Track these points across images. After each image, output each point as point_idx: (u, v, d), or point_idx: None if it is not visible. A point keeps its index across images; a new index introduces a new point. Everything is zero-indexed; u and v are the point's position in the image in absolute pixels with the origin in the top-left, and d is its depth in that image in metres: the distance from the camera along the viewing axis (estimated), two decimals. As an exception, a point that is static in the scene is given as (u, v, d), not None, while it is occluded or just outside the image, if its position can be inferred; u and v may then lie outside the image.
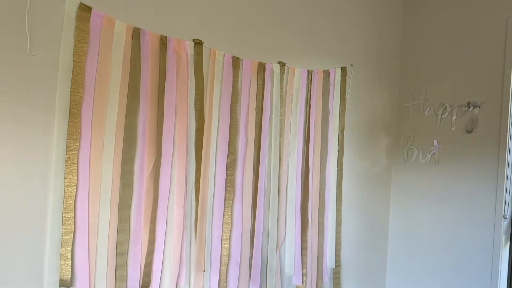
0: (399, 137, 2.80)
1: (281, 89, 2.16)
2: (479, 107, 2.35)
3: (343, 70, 2.45)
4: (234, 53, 1.96)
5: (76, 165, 1.47)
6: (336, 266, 2.46)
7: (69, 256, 1.46)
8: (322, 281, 2.39)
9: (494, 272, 2.26)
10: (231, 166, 1.95)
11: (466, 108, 2.40)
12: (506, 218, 2.26)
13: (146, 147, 1.67)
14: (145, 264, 1.68)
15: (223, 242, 1.94)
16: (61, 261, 1.45)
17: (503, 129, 2.24)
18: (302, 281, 2.27)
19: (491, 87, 2.30)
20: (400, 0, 2.83)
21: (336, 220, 2.44)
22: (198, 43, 1.83)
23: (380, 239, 2.79)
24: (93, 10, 1.51)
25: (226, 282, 1.97)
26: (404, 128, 2.77)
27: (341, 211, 2.47)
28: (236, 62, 1.97)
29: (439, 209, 2.53)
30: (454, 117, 2.47)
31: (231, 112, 1.95)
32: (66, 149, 1.45)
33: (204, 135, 1.85)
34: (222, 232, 1.94)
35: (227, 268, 1.96)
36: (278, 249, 2.18)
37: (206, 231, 1.89)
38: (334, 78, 2.40)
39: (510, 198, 2.26)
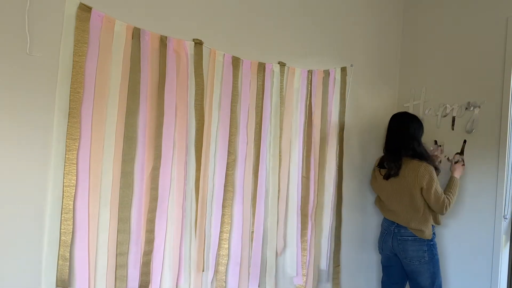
0: (399, 137, 2.80)
1: (281, 89, 2.16)
2: (479, 107, 2.34)
3: (343, 70, 2.45)
4: (234, 53, 1.96)
5: (75, 165, 1.47)
6: (336, 266, 2.46)
7: (68, 256, 1.46)
8: (322, 281, 2.39)
9: (494, 272, 2.26)
10: (231, 166, 1.95)
11: (466, 108, 2.40)
12: (506, 218, 2.26)
13: (146, 147, 1.67)
14: (144, 263, 1.68)
15: (222, 242, 1.94)
16: (59, 262, 1.45)
17: (503, 129, 2.23)
18: (302, 281, 2.27)
19: (491, 87, 2.30)
20: (400, 0, 2.83)
21: (336, 220, 2.44)
22: (198, 43, 1.83)
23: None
24: (93, 10, 1.52)
25: (225, 282, 1.97)
26: (404, 128, 2.77)
27: (341, 211, 2.47)
28: (236, 62, 1.97)
29: (439, 209, 2.53)
30: (454, 117, 2.47)
31: (231, 112, 1.95)
32: (66, 149, 1.45)
33: (204, 135, 1.85)
34: (222, 232, 1.95)
35: (226, 268, 1.96)
36: (277, 249, 2.18)
37: (206, 231, 1.89)
38: (334, 78, 2.41)
39: (510, 198, 2.26)
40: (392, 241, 2.26)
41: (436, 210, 2.16)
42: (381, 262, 2.47)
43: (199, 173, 1.83)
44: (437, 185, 2.11)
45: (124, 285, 1.63)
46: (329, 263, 2.42)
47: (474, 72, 2.39)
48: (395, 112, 2.47)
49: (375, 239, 2.71)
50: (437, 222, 2.22)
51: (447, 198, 2.13)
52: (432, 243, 2.17)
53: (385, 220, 2.37)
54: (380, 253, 2.45)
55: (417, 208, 2.14)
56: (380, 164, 2.34)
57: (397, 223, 2.24)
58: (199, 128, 1.84)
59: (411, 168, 2.14)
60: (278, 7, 2.15)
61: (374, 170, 2.47)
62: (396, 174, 2.19)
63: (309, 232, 2.29)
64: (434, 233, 2.20)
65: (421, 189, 2.11)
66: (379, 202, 2.45)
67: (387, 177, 2.25)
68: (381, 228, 2.43)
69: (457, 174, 2.28)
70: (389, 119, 2.35)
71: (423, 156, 2.16)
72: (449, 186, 2.23)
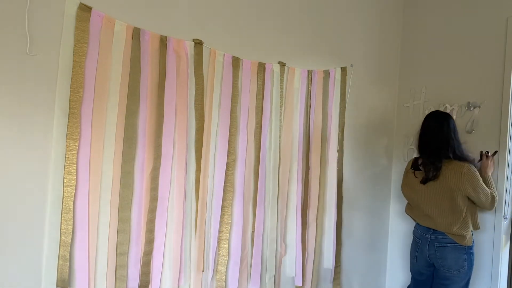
0: (399, 137, 2.80)
1: (281, 89, 2.16)
2: (479, 107, 2.34)
3: (343, 70, 2.45)
4: (234, 53, 1.96)
5: (75, 165, 1.47)
6: (336, 266, 2.46)
7: (68, 256, 1.46)
8: (322, 281, 2.39)
9: (494, 272, 2.26)
10: (230, 166, 1.95)
11: (466, 108, 2.40)
12: (506, 218, 2.26)
13: (146, 147, 1.67)
14: (144, 263, 1.68)
15: (222, 242, 1.94)
16: (60, 262, 1.45)
17: (503, 129, 2.23)
18: (302, 281, 2.27)
19: (491, 87, 2.30)
20: (400, 0, 2.83)
21: (336, 220, 2.44)
22: (198, 43, 1.83)
23: (380, 239, 2.79)
24: (93, 10, 1.52)
25: (225, 282, 1.97)
26: (404, 128, 2.77)
27: (341, 211, 2.47)
28: (236, 62, 1.97)
29: (439, 209, 2.52)
30: (454, 117, 2.47)
31: (231, 112, 1.95)
32: (66, 149, 1.45)
33: (204, 135, 1.85)
34: (222, 232, 1.95)
35: (226, 268, 1.96)
36: (278, 249, 2.18)
37: (206, 230, 1.89)
38: (334, 78, 2.41)
39: (510, 198, 2.26)
40: (429, 249, 2.09)
41: (486, 207, 2.03)
42: (412, 273, 2.29)
43: (199, 173, 1.83)
44: (482, 183, 1.99)
45: (124, 285, 1.63)
46: (329, 263, 2.42)
47: (474, 72, 2.39)
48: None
49: (375, 238, 2.71)
50: (476, 226, 2.07)
51: (493, 192, 2.03)
52: (471, 251, 2.04)
53: (418, 227, 2.19)
54: (413, 263, 2.25)
55: (459, 211, 1.99)
56: (415, 166, 2.16)
57: (433, 229, 2.08)
58: (199, 128, 1.84)
59: (453, 169, 1.98)
60: (278, 7, 2.15)
61: (406, 174, 2.27)
62: (435, 177, 2.03)
63: (309, 232, 2.29)
64: (473, 240, 2.06)
65: (467, 191, 1.97)
66: (411, 208, 2.26)
67: (424, 181, 2.07)
68: (413, 237, 2.24)
69: (489, 172, 2.17)
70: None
71: (464, 156, 2.02)
72: (486, 182, 2.09)
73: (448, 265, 2.03)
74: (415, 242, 2.21)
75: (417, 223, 2.22)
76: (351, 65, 2.50)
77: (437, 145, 2.04)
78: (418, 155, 2.19)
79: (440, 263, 2.06)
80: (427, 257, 2.12)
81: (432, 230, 2.09)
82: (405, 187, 2.27)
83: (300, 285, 2.26)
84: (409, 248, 2.32)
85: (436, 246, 2.07)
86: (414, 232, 2.25)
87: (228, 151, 1.94)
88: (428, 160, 2.07)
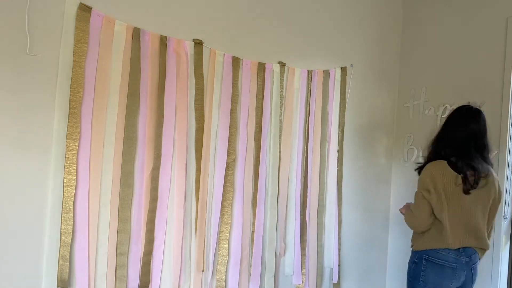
0: (399, 137, 2.80)
1: (281, 89, 2.16)
2: (479, 107, 2.34)
3: (343, 70, 2.45)
4: (234, 53, 1.96)
5: (75, 165, 1.47)
6: (335, 266, 2.45)
7: (68, 256, 1.46)
8: (322, 281, 2.39)
9: (494, 272, 2.26)
10: (230, 166, 1.95)
11: (466, 108, 2.40)
12: (506, 218, 2.26)
13: (146, 147, 1.67)
14: (144, 263, 1.68)
15: (222, 241, 1.95)
16: (60, 262, 1.45)
17: (503, 129, 2.23)
18: (302, 281, 2.27)
19: (491, 87, 2.29)
20: (400, 0, 2.83)
21: (336, 220, 2.44)
22: (198, 43, 1.83)
23: (380, 238, 2.79)
24: (93, 10, 1.52)
25: (225, 282, 1.97)
26: (404, 128, 2.77)
27: (341, 211, 2.47)
28: (236, 62, 1.97)
29: (439, 209, 2.52)
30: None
31: (231, 112, 1.95)
32: (66, 149, 1.45)
33: (204, 135, 1.85)
34: (222, 231, 1.95)
35: (226, 268, 1.96)
36: (279, 250, 2.18)
37: (206, 230, 1.89)
38: (334, 78, 2.40)
39: (510, 198, 2.26)
40: (467, 274, 1.77)
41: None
42: None
43: (199, 173, 1.83)
44: None
45: (124, 285, 1.63)
46: (328, 262, 2.42)
47: (474, 72, 2.39)
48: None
49: (375, 238, 2.70)
50: None
51: None
52: None
53: (450, 252, 1.75)
54: None
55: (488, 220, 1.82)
56: (459, 170, 1.73)
57: (465, 251, 1.75)
58: (199, 128, 1.84)
59: (492, 172, 1.79)
60: (278, 7, 2.15)
61: (444, 186, 1.73)
62: (477, 184, 1.72)
63: (308, 231, 2.29)
64: None
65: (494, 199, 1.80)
66: (446, 232, 1.74)
67: (471, 188, 1.72)
68: (440, 263, 1.76)
69: None
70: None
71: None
72: None
73: (473, 283, 1.83)
74: (451, 269, 1.75)
75: (446, 249, 1.77)
76: (351, 65, 2.50)
77: (481, 147, 1.78)
78: (445, 157, 1.77)
79: (469, 286, 1.82)
80: (461, 284, 1.80)
81: (464, 252, 1.76)
82: (453, 203, 1.74)
83: (300, 283, 2.27)
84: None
85: (473, 269, 1.79)
86: (441, 258, 1.76)
87: (228, 151, 1.94)
88: (473, 162, 1.73)
